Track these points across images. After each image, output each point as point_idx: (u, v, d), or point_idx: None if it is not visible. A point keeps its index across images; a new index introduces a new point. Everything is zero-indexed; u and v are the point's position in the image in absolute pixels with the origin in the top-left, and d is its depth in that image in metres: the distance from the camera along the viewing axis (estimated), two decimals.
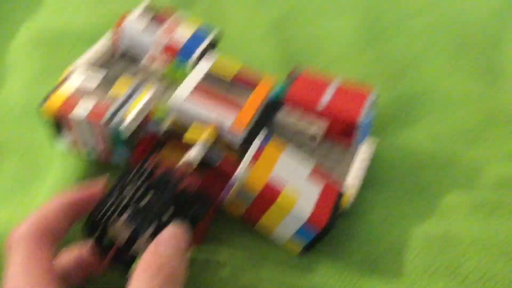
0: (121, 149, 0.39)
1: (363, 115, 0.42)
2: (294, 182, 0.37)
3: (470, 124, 0.51)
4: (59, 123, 0.39)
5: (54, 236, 0.32)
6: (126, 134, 0.37)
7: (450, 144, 0.49)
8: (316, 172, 0.39)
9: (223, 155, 0.39)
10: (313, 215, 0.36)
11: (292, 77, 0.46)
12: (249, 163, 0.37)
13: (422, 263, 0.39)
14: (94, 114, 0.38)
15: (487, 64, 0.57)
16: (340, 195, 0.38)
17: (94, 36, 0.53)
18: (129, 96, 0.39)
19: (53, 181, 0.41)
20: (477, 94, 0.54)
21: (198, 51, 0.46)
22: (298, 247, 0.38)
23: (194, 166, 0.38)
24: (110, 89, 0.40)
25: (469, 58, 0.57)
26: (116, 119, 0.37)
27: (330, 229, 0.36)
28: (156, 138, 0.43)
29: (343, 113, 0.43)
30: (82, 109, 0.38)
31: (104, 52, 0.46)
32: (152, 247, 0.31)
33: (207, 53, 0.45)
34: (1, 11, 0.57)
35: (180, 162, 0.38)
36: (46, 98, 0.39)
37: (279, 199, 0.36)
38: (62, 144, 0.41)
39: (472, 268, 0.39)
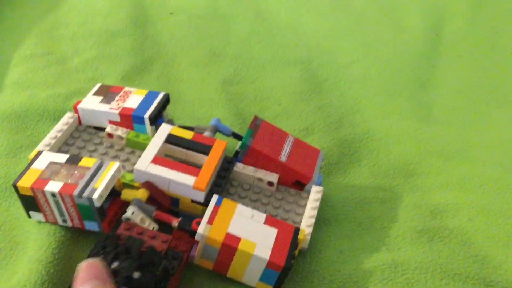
0: (92, 217, 0.43)
1: (316, 173, 0.48)
2: (250, 231, 0.42)
3: (407, 158, 0.57)
4: (33, 198, 0.42)
5: None
6: (99, 202, 0.41)
7: (391, 178, 0.55)
8: (270, 220, 0.43)
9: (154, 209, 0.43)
10: (272, 256, 0.40)
11: (254, 127, 0.50)
12: (207, 222, 0.42)
13: None
14: (67, 187, 0.42)
15: (417, 102, 0.64)
16: (296, 231, 0.43)
17: (56, 111, 0.57)
18: (96, 171, 0.43)
19: (32, 251, 0.43)
20: (412, 130, 0.60)
21: (150, 111, 0.50)
22: (268, 287, 0.42)
23: (134, 221, 0.42)
24: (75, 167, 0.44)
25: (402, 99, 0.64)
26: (88, 190, 0.41)
27: (291, 266, 0.40)
28: (123, 203, 0.46)
29: (301, 168, 0.48)
30: (55, 184, 0.42)
31: (68, 128, 0.50)
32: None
33: (163, 123, 0.49)
34: None
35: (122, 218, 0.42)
36: (19, 177, 0.42)
37: (240, 247, 0.40)
38: (37, 217, 0.44)
39: None
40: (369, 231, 0.49)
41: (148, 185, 0.44)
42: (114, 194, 0.44)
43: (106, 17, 0.73)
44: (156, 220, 0.44)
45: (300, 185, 0.49)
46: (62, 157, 0.45)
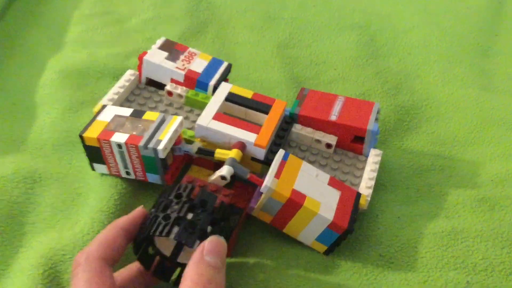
0: (155, 169, 0.43)
1: (371, 124, 0.47)
2: (315, 190, 0.42)
3: (467, 127, 0.56)
4: (99, 149, 0.43)
5: (114, 258, 0.36)
6: (163, 154, 0.42)
7: (449, 146, 0.54)
8: (333, 181, 0.43)
9: (249, 171, 0.43)
10: (335, 217, 0.40)
11: (301, 96, 0.50)
12: (274, 176, 0.41)
13: (434, 257, 0.43)
14: (132, 138, 0.42)
15: (479, 71, 0.62)
16: (358, 196, 0.43)
17: (115, 69, 0.58)
18: (160, 124, 0.44)
19: (94, 202, 0.44)
20: (472, 99, 0.58)
21: (215, 79, 0.50)
22: (323, 247, 0.42)
23: (228, 180, 0.42)
24: (139, 120, 0.44)
25: (462, 66, 0.62)
26: (153, 142, 0.42)
27: (351, 230, 0.40)
28: (185, 158, 0.47)
29: (353, 122, 0.47)
30: (120, 135, 0.43)
31: (129, 85, 0.51)
32: (198, 256, 0.34)
33: (222, 82, 0.50)
34: (27, 48, 0.61)
35: (214, 177, 0.42)
36: (86, 128, 0.43)
37: (305, 204, 0.40)
38: (101, 169, 0.45)
39: (479, 258, 0.43)
40: (427, 198, 0.49)
41: (240, 145, 0.45)
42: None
43: None
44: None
45: (359, 141, 0.48)
46: (127, 111, 0.45)
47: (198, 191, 0.39)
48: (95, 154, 0.44)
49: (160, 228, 0.36)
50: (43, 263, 0.40)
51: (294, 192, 0.41)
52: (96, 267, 0.34)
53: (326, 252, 0.43)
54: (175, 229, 0.35)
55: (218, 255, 0.34)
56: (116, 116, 0.45)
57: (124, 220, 0.38)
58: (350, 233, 0.41)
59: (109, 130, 0.43)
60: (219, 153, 0.44)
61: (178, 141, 0.45)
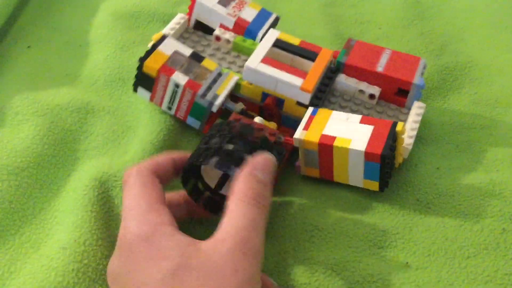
0: (200, 116, 0.46)
1: (417, 77, 0.48)
2: (345, 130, 0.43)
3: (509, 90, 0.56)
4: (153, 79, 0.45)
5: (163, 179, 0.37)
6: (216, 109, 0.45)
7: (491, 107, 0.54)
8: (365, 119, 0.43)
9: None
10: (368, 147, 0.41)
11: (348, 47, 0.51)
12: (303, 128, 0.43)
13: (471, 205, 0.44)
14: (192, 84, 0.45)
15: None
16: (394, 125, 0.42)
17: (165, 14, 0.59)
18: (217, 77, 0.46)
19: (144, 134, 0.46)
20: None
21: (264, 29, 0.52)
22: (374, 183, 0.43)
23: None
24: (198, 65, 0.46)
25: (508, 32, 0.62)
26: (211, 94, 0.45)
27: (392, 158, 0.40)
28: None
29: (399, 75, 0.48)
30: (181, 76, 0.45)
31: (179, 27, 0.52)
32: (248, 170, 0.35)
33: (270, 29, 0.51)
34: None
35: None
36: (147, 55, 0.45)
37: (335, 144, 0.41)
38: (143, 94, 0.47)
39: None
40: (466, 153, 0.49)
41: (273, 101, 0.47)
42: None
43: None
44: None
45: (403, 94, 0.49)
46: (186, 50, 0.47)
47: (239, 125, 0.40)
48: (146, 81, 0.46)
49: (202, 157, 0.37)
50: (97, 185, 0.42)
51: (323, 136, 0.42)
52: (148, 178, 0.36)
53: (380, 188, 0.43)
54: (214, 158, 0.37)
55: (268, 172, 0.35)
56: (176, 53, 0.46)
57: (175, 153, 0.40)
58: (389, 160, 0.41)
59: (169, 66, 0.45)
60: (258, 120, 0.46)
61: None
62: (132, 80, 0.46)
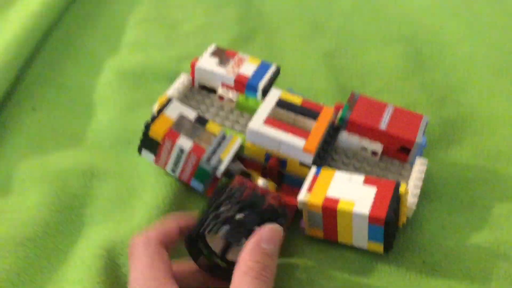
0: (204, 180, 0.46)
1: (419, 136, 0.48)
2: (349, 191, 0.43)
3: (510, 141, 0.56)
4: (158, 143, 0.46)
5: (169, 246, 0.37)
6: (220, 173, 0.45)
7: (493, 160, 0.54)
8: (368, 179, 0.44)
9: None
10: (372, 209, 0.41)
11: (352, 102, 0.51)
12: (307, 190, 0.44)
13: (477, 267, 0.44)
14: (197, 149, 0.45)
15: None
16: (397, 185, 0.42)
17: (169, 72, 0.60)
18: (221, 140, 0.47)
19: (150, 198, 0.47)
20: None
21: (264, 82, 0.52)
22: (378, 246, 0.43)
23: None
24: (203, 129, 0.47)
25: (508, 81, 0.62)
26: (215, 159, 0.45)
27: (392, 219, 0.40)
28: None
29: (402, 133, 0.48)
30: (186, 141, 0.46)
31: (183, 88, 0.53)
32: (254, 242, 0.35)
33: (271, 87, 0.52)
34: (86, 49, 0.64)
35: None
36: (153, 119, 0.46)
37: (339, 207, 0.42)
38: (147, 156, 0.47)
39: None
40: (471, 209, 0.49)
41: (276, 163, 0.47)
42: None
43: None
44: None
45: (405, 151, 0.49)
46: (191, 114, 0.48)
47: (248, 193, 0.41)
48: (151, 144, 0.46)
49: (211, 226, 0.38)
50: (104, 254, 0.42)
51: (327, 199, 0.42)
52: (156, 250, 0.36)
53: (385, 250, 0.43)
54: (224, 228, 0.37)
55: (274, 243, 0.36)
56: (181, 117, 0.47)
57: (180, 215, 0.40)
58: (394, 224, 0.41)
59: (174, 130, 0.46)
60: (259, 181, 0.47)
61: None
62: (137, 142, 0.47)
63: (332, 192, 0.43)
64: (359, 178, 0.44)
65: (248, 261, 0.34)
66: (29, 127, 0.54)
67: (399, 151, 0.50)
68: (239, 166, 0.48)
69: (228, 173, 0.47)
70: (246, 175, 0.47)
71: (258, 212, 0.39)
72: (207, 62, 0.53)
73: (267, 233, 0.36)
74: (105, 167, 0.50)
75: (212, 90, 0.54)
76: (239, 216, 0.39)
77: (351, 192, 0.43)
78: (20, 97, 0.57)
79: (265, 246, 0.35)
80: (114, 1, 0.72)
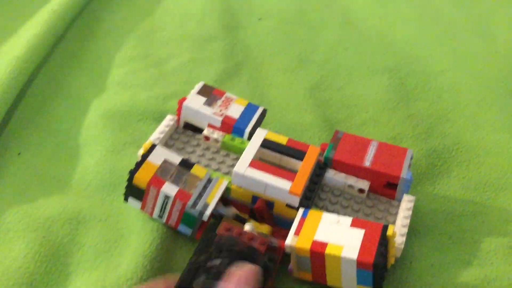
0: (191, 224, 0.46)
1: (404, 171, 0.48)
2: (337, 235, 0.43)
3: (499, 172, 0.56)
4: (143, 191, 0.46)
5: None
6: (206, 218, 0.45)
7: (481, 192, 0.54)
8: (356, 222, 0.44)
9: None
10: (360, 255, 0.41)
11: (335, 140, 0.51)
12: (294, 233, 0.43)
13: None
14: (182, 194, 0.45)
15: (510, 115, 0.63)
16: (385, 228, 0.42)
17: (155, 111, 0.60)
18: (207, 184, 0.47)
19: (137, 244, 0.46)
20: (504, 143, 0.59)
21: (250, 125, 0.52)
22: None
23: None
24: (188, 173, 0.47)
25: (494, 111, 0.63)
26: (201, 204, 0.45)
27: (380, 263, 0.40)
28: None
29: (387, 169, 0.48)
30: (171, 187, 0.45)
31: (168, 130, 0.53)
32: (231, 286, 0.35)
33: (258, 128, 0.52)
34: (72, 90, 0.64)
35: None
36: (137, 167, 0.46)
37: (327, 251, 0.41)
38: (133, 204, 0.47)
39: None
40: (460, 244, 0.49)
41: (263, 204, 0.47)
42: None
43: (199, 22, 0.76)
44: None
45: (392, 187, 0.49)
46: (176, 158, 0.48)
47: (231, 243, 0.41)
48: (136, 192, 0.46)
49: (189, 277, 0.38)
50: None
51: (315, 243, 0.42)
52: None
53: None
54: (202, 278, 0.38)
55: (251, 284, 0.36)
56: (165, 162, 0.47)
57: (170, 277, 0.40)
58: (383, 268, 0.41)
59: (159, 177, 0.46)
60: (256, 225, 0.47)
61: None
62: (123, 185, 0.47)
63: (320, 235, 0.43)
64: (347, 220, 0.44)
65: None
66: (15, 174, 0.54)
67: (386, 187, 0.49)
68: (232, 210, 0.48)
69: (219, 216, 0.47)
70: (241, 220, 0.47)
71: (234, 252, 0.40)
72: (195, 101, 0.53)
73: (243, 275, 0.36)
74: (91, 212, 0.50)
75: (197, 130, 0.54)
76: (215, 261, 0.39)
77: (339, 235, 0.42)
78: (6, 142, 0.57)
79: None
80: (100, 39, 0.73)
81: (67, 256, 0.47)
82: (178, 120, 0.54)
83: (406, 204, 0.48)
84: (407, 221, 0.47)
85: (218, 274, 0.37)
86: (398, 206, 0.49)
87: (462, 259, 0.48)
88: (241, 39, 0.73)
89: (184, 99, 0.53)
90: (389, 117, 0.62)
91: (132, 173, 0.46)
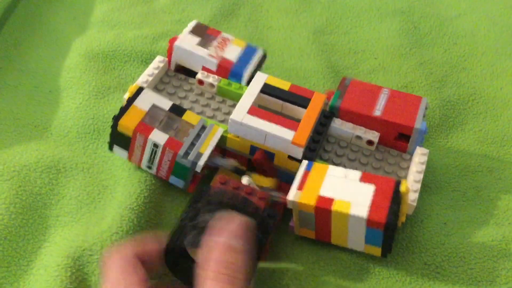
0: (183, 176, 0.42)
1: (418, 121, 0.44)
2: (344, 190, 0.39)
3: None
4: (129, 139, 0.41)
5: (148, 264, 0.34)
6: (199, 169, 0.40)
7: (499, 146, 0.50)
8: (366, 176, 0.40)
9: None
10: (371, 213, 0.37)
11: (343, 87, 0.47)
12: (297, 188, 0.39)
13: (483, 269, 0.40)
14: (172, 143, 0.40)
15: None
16: (398, 184, 0.38)
17: (143, 52, 0.55)
18: (200, 132, 0.42)
19: (123, 196, 0.42)
20: None
21: (249, 69, 0.47)
22: (376, 249, 0.39)
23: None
24: (179, 120, 0.42)
25: None
26: (194, 154, 0.40)
27: (392, 223, 0.36)
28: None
29: (399, 119, 0.44)
30: (160, 135, 0.41)
31: (158, 72, 0.48)
32: (220, 240, 0.32)
33: (257, 72, 0.47)
34: (51, 28, 0.59)
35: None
36: (122, 112, 0.41)
37: (334, 208, 0.37)
38: (120, 153, 0.43)
39: None
40: (474, 202, 0.46)
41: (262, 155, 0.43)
42: None
43: None
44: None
45: (404, 139, 0.45)
46: (166, 103, 0.43)
47: (228, 196, 0.37)
48: (122, 140, 0.42)
49: (178, 237, 0.34)
50: (70, 263, 0.38)
51: (320, 198, 0.38)
52: (131, 263, 0.33)
53: (383, 254, 0.39)
54: (189, 237, 0.34)
55: (243, 238, 0.33)
56: (154, 107, 0.42)
57: (159, 233, 0.37)
58: (395, 227, 0.37)
59: (147, 124, 0.41)
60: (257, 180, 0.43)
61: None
62: (108, 131, 0.42)
63: (326, 190, 0.39)
64: (356, 174, 0.40)
65: (214, 263, 0.31)
66: None
67: (397, 139, 0.45)
68: (231, 162, 0.43)
69: (216, 167, 0.43)
70: (240, 172, 0.43)
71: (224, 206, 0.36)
72: (187, 41, 0.48)
73: (234, 228, 0.33)
74: (72, 161, 0.46)
75: (190, 74, 0.49)
76: (204, 217, 0.35)
77: (346, 191, 0.38)
78: None
79: (233, 242, 0.32)
80: None
81: (46, 208, 0.43)
82: (169, 62, 0.49)
83: (420, 157, 0.44)
84: (421, 176, 0.43)
85: (205, 230, 0.34)
86: (410, 159, 0.45)
87: (478, 217, 0.44)
88: None
89: (175, 38, 0.48)
90: (400, 64, 0.57)
91: (116, 119, 0.41)
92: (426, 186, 0.46)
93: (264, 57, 0.50)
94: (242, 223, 0.33)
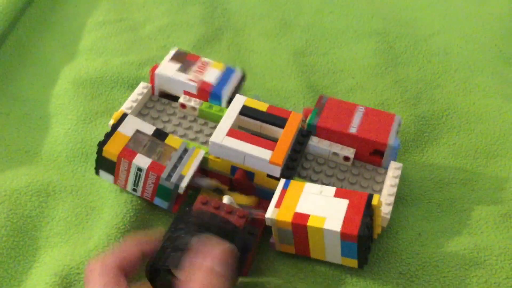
0: (167, 198, 0.43)
1: (391, 138, 0.46)
2: (319, 206, 0.40)
3: (489, 138, 0.54)
4: (114, 164, 0.43)
5: (130, 272, 0.35)
6: (182, 190, 0.42)
7: (472, 159, 0.52)
8: (340, 192, 0.41)
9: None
10: (344, 225, 0.39)
11: (320, 106, 0.49)
12: (275, 206, 0.41)
13: (456, 277, 0.42)
14: (155, 166, 0.42)
15: (501, 80, 0.60)
16: (370, 198, 0.40)
17: (130, 78, 0.57)
18: (182, 154, 0.44)
19: (110, 217, 0.44)
20: (495, 109, 0.57)
21: (228, 90, 0.49)
22: (352, 261, 0.40)
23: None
24: (162, 144, 0.44)
25: (484, 75, 0.60)
26: (176, 176, 0.42)
27: (365, 235, 0.38)
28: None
29: (373, 136, 0.46)
30: (143, 159, 0.43)
31: (142, 98, 0.50)
32: (205, 264, 0.33)
33: (237, 94, 0.49)
34: (41, 56, 0.61)
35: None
36: (106, 138, 0.43)
37: (309, 223, 0.39)
38: (106, 177, 0.45)
39: (502, 278, 0.42)
40: (449, 213, 0.47)
41: (243, 174, 0.45)
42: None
43: None
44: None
45: (378, 155, 0.47)
46: (149, 128, 0.45)
47: (208, 216, 0.39)
48: (107, 165, 0.44)
49: (161, 259, 0.36)
50: (58, 281, 0.39)
51: (296, 215, 0.40)
52: (112, 277, 0.34)
53: (360, 266, 0.41)
54: (170, 258, 0.36)
55: (225, 263, 0.34)
56: (138, 132, 0.44)
57: (143, 239, 0.38)
58: (368, 239, 0.39)
59: (131, 148, 0.43)
60: (238, 199, 0.45)
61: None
62: (95, 155, 0.44)
63: (302, 207, 0.41)
64: (330, 190, 0.42)
65: (200, 286, 0.33)
66: None
67: (372, 154, 0.47)
68: (212, 182, 0.45)
69: (199, 188, 0.45)
70: (221, 192, 0.45)
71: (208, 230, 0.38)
72: (168, 68, 0.50)
73: (219, 254, 0.34)
74: (61, 184, 0.47)
75: (173, 98, 0.51)
76: (182, 240, 0.36)
77: (321, 207, 0.40)
78: None
79: (216, 267, 0.33)
80: (71, 3, 0.68)
81: (36, 230, 0.44)
82: (153, 88, 0.51)
83: (393, 171, 0.46)
84: (394, 190, 0.45)
85: (186, 252, 0.35)
86: (385, 174, 0.47)
87: (451, 228, 0.46)
88: (221, 2, 0.70)
89: (156, 66, 0.50)
90: (377, 82, 0.60)
91: (101, 145, 0.43)
92: (402, 199, 0.48)
93: (243, 77, 0.52)
94: (226, 250, 0.35)
